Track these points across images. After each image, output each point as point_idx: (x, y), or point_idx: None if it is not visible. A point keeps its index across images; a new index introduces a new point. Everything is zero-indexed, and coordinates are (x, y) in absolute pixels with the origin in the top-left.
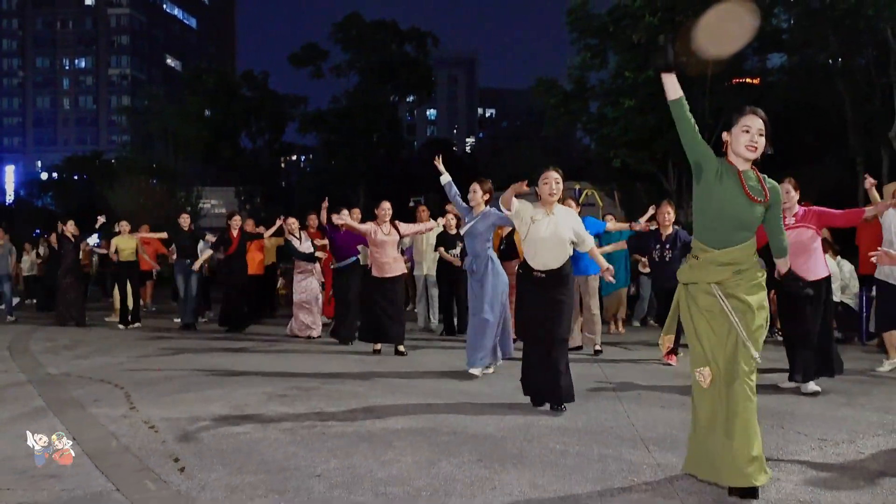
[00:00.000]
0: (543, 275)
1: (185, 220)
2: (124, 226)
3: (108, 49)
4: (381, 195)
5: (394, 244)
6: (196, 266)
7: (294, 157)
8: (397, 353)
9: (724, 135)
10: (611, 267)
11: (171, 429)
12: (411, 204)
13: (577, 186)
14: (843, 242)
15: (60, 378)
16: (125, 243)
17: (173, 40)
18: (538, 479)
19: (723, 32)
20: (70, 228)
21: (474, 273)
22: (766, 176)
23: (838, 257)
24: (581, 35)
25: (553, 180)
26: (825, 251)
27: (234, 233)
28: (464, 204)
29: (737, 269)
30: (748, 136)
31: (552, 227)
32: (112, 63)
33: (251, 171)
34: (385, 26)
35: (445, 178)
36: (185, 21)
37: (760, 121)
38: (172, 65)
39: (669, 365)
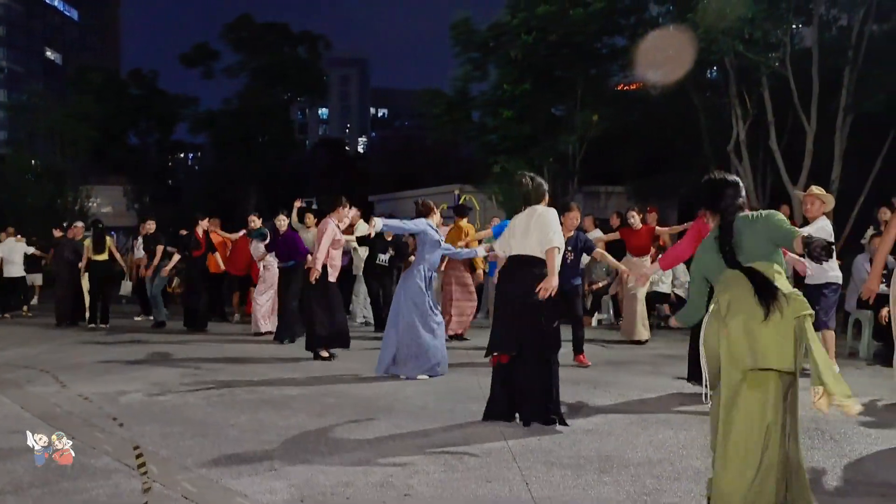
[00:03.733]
0: None
1: (151, 225)
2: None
3: None
4: (273, 196)
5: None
6: (166, 271)
7: (182, 155)
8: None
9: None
10: None
11: (103, 399)
12: (302, 204)
13: (457, 192)
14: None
15: None
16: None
17: (53, 32)
18: (400, 423)
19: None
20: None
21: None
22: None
23: None
24: (464, 49)
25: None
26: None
27: (201, 234)
28: (413, 225)
29: None
30: None
31: None
32: None
33: (139, 169)
34: (277, 29)
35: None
36: (65, 13)
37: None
38: (52, 58)
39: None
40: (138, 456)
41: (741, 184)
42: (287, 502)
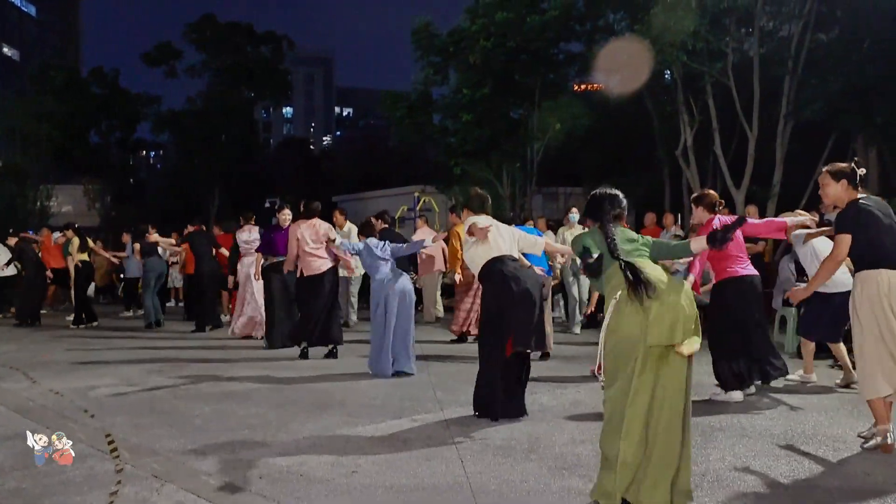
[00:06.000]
0: None
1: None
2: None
3: None
4: (237, 196)
5: None
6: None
7: (144, 153)
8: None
9: None
10: None
11: (74, 394)
12: (266, 205)
13: (416, 194)
14: None
15: None
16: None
17: (11, 28)
18: (352, 414)
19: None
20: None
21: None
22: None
23: None
24: (424, 53)
25: None
26: None
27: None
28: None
29: None
30: None
31: None
32: None
33: (102, 169)
34: (240, 28)
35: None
36: (23, 9)
37: None
38: (10, 54)
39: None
40: (110, 443)
41: (620, 196)
42: (247, 479)
